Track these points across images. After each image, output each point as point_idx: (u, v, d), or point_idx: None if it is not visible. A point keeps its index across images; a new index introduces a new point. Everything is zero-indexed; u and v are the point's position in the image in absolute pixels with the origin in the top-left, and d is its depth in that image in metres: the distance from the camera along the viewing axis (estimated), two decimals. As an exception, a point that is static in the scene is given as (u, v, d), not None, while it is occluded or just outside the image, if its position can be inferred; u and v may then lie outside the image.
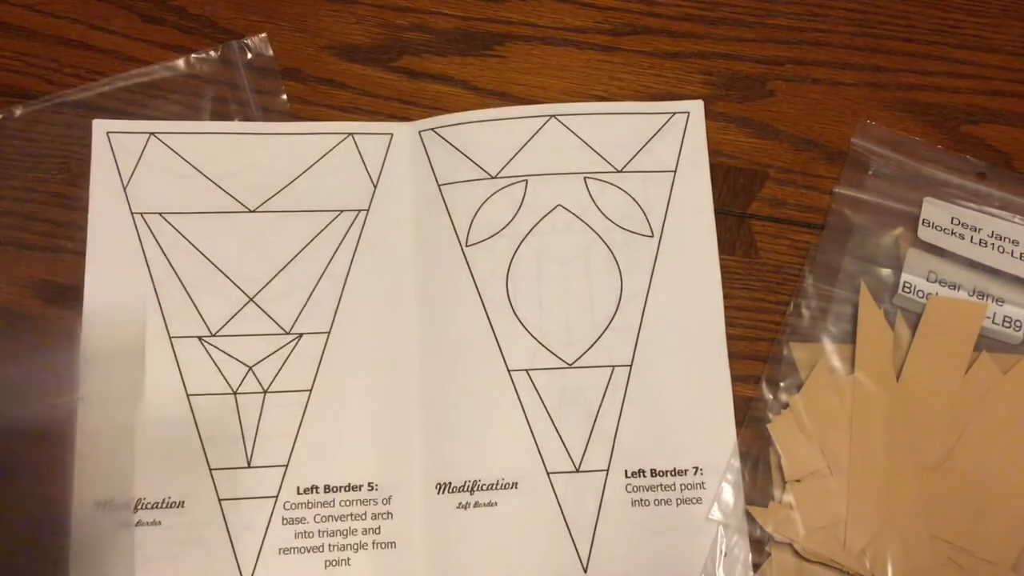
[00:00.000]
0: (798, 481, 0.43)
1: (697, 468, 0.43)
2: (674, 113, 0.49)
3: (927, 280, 0.46)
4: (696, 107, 0.49)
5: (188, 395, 0.44)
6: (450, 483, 0.43)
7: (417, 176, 0.48)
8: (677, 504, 0.43)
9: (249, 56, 0.50)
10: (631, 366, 0.45)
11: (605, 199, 0.47)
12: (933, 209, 0.47)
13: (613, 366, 0.45)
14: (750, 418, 0.45)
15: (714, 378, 0.45)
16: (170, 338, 0.44)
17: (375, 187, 0.47)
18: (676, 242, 0.47)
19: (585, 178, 0.47)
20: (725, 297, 0.47)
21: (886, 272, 0.46)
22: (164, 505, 0.42)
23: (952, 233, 0.47)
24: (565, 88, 0.51)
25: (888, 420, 0.43)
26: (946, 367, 0.44)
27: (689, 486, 0.43)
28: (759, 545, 0.43)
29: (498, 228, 0.47)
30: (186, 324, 0.45)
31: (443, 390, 0.44)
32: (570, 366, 0.45)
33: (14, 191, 0.48)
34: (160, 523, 0.42)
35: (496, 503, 0.43)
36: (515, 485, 0.43)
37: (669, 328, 0.45)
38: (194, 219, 0.46)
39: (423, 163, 0.48)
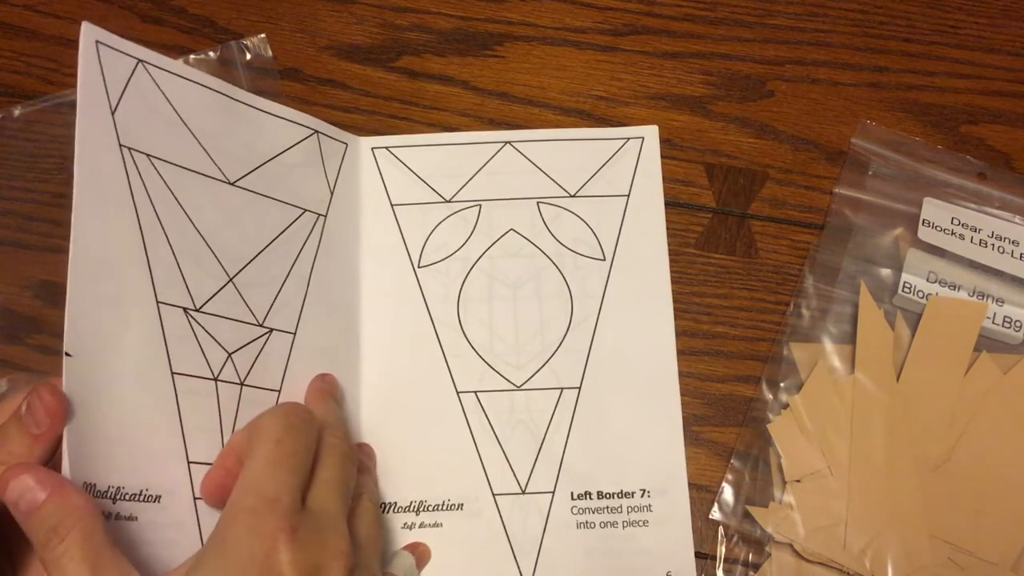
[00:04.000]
0: (798, 481, 0.43)
1: (645, 491, 0.43)
2: (628, 139, 0.49)
3: (927, 280, 0.46)
4: (651, 132, 0.49)
5: (173, 373, 0.39)
6: (396, 503, 0.43)
7: (370, 192, 0.48)
8: (623, 527, 0.43)
9: (248, 57, 0.50)
10: (580, 388, 0.45)
11: (558, 223, 0.47)
12: (933, 209, 0.47)
13: (562, 388, 0.45)
14: (750, 418, 0.45)
15: (664, 401, 0.44)
16: (158, 303, 0.39)
17: (331, 194, 0.47)
18: (628, 266, 0.47)
19: (538, 203, 0.48)
20: (725, 297, 0.47)
21: (886, 272, 0.46)
22: (141, 498, 0.37)
23: (952, 233, 0.47)
24: (565, 88, 0.51)
25: (888, 420, 0.43)
26: (946, 367, 0.44)
27: (636, 508, 0.43)
28: (759, 545, 0.43)
29: (451, 251, 0.47)
30: (173, 291, 0.40)
31: (391, 410, 0.44)
32: (518, 388, 0.45)
33: (14, 191, 0.48)
34: (136, 519, 0.36)
35: (441, 524, 0.43)
36: (460, 507, 0.43)
37: (619, 351, 0.45)
38: (179, 173, 0.41)
39: (376, 180, 0.48)
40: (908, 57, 0.52)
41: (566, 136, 0.49)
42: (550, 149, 0.49)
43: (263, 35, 0.51)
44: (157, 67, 0.42)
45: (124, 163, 0.40)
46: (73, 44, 0.51)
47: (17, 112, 0.49)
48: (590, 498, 0.43)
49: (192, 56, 0.50)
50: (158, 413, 0.38)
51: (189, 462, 0.38)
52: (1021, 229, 0.47)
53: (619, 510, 0.43)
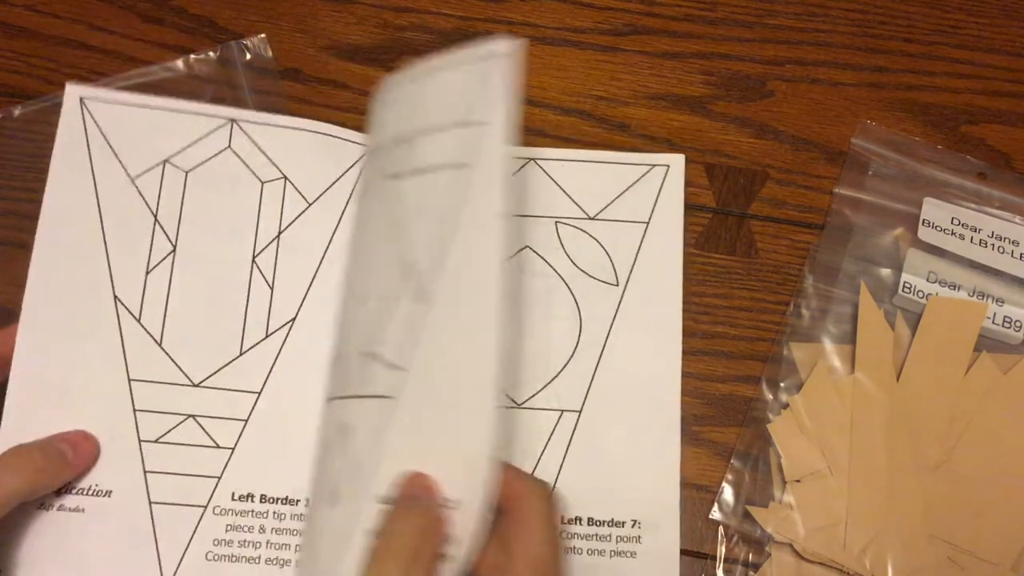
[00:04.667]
0: (798, 481, 0.43)
1: (636, 522, 0.42)
2: (653, 166, 0.48)
3: (927, 280, 0.46)
4: (677, 161, 0.48)
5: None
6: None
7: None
8: (611, 556, 0.42)
9: (248, 57, 0.50)
10: (580, 413, 0.44)
11: (574, 244, 0.47)
12: (933, 209, 0.47)
13: (562, 410, 0.44)
14: (750, 418, 0.45)
15: (664, 434, 0.44)
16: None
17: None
18: (641, 294, 0.46)
19: (556, 222, 0.47)
20: (725, 297, 0.47)
21: (886, 272, 0.46)
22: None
23: (952, 233, 0.47)
24: (565, 88, 0.51)
25: (888, 420, 0.43)
26: (946, 367, 0.44)
27: (625, 539, 0.42)
28: (759, 545, 0.43)
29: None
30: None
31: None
32: (518, 406, 0.44)
33: (14, 191, 0.48)
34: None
35: None
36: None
37: (623, 379, 0.44)
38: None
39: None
40: (908, 57, 0.52)
41: (591, 158, 0.48)
42: (573, 169, 0.48)
43: (263, 35, 0.51)
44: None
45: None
46: (74, 44, 0.51)
47: (17, 112, 0.49)
48: (580, 524, 0.42)
49: (192, 56, 0.50)
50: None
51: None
52: (1021, 229, 0.47)
53: (608, 539, 0.42)
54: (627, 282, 0.46)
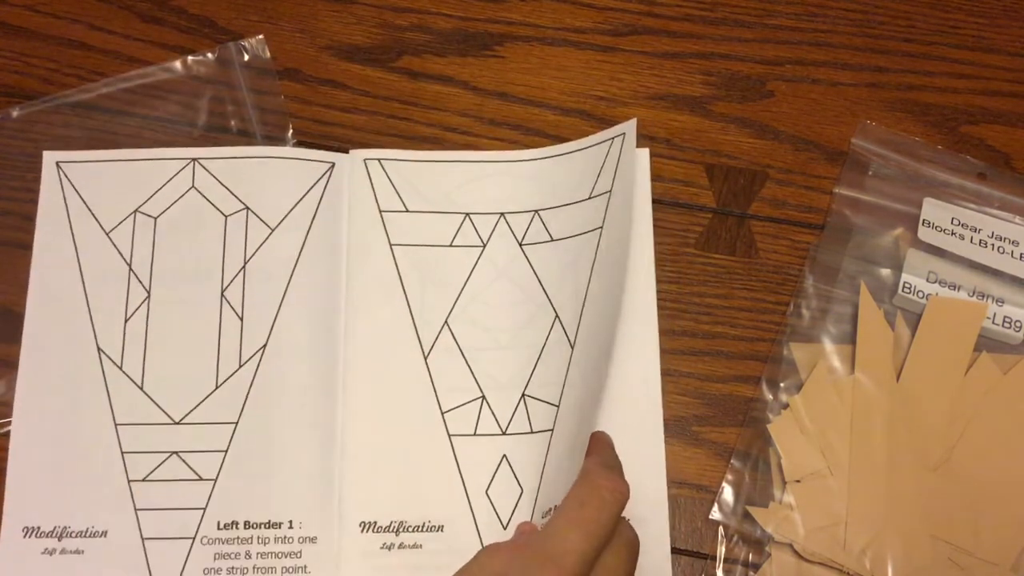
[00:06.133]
0: (798, 481, 0.43)
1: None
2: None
3: (927, 280, 0.46)
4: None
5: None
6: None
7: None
8: None
9: (246, 57, 0.50)
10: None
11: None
12: (933, 209, 0.47)
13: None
14: (750, 418, 0.45)
15: (647, 432, 0.43)
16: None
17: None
18: (613, 290, 0.45)
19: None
20: (725, 297, 0.47)
21: (886, 272, 0.46)
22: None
23: (952, 233, 0.47)
24: (565, 88, 0.51)
25: (888, 420, 0.43)
26: (946, 367, 0.44)
27: None
28: (759, 545, 0.43)
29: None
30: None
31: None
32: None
33: (13, 191, 0.48)
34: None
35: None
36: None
37: (601, 391, 0.43)
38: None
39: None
40: (908, 57, 0.52)
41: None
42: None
43: (261, 36, 0.51)
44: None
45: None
46: (74, 44, 0.51)
47: (15, 113, 0.49)
48: None
49: (191, 57, 0.50)
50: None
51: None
52: (1021, 229, 0.47)
53: None
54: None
